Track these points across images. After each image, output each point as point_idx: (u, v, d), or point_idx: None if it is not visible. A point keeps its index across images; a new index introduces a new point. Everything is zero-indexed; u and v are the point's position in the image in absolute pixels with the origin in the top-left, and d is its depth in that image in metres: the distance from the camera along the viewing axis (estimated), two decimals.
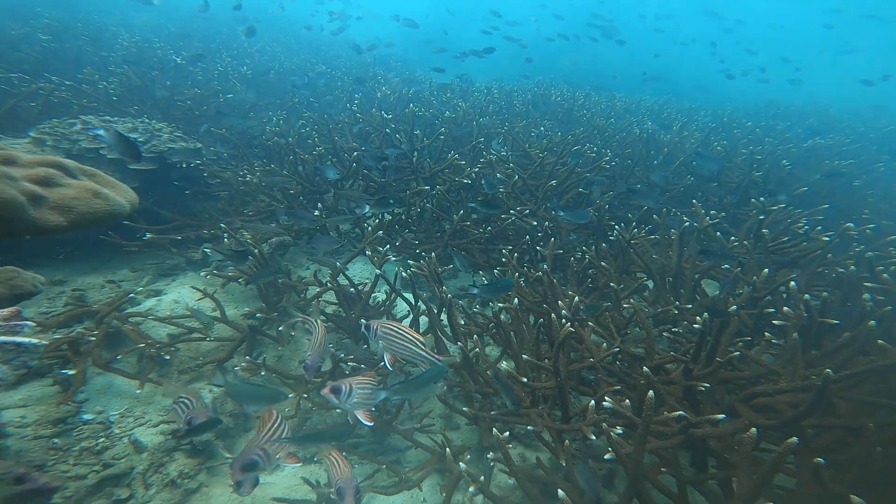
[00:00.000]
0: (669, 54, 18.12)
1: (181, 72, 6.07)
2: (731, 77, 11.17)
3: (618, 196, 4.28)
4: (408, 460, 2.94)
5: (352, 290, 3.06)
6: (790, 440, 1.52)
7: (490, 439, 2.73)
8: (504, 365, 2.63)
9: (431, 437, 2.96)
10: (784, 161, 4.84)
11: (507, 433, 2.11)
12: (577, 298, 2.74)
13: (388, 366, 2.15)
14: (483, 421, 2.96)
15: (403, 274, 3.10)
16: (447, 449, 2.36)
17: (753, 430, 1.72)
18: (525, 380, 2.37)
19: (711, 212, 3.70)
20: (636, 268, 3.53)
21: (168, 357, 3.09)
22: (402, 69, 10.48)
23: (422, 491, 2.63)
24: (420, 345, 2.14)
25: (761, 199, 3.64)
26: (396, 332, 2.12)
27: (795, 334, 2.16)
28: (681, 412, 1.93)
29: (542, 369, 2.82)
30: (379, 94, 5.93)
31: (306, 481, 2.52)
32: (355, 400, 1.98)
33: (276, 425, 2.05)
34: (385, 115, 4.54)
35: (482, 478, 2.26)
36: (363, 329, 2.14)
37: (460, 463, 2.21)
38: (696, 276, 3.40)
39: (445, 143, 5.04)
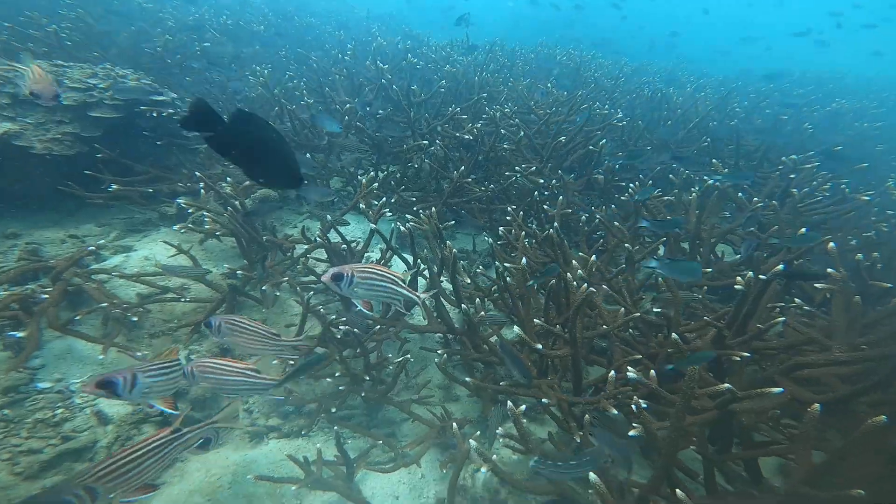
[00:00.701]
0: (690, 20, 17.42)
1: (148, 17, 5.42)
2: (802, 34, 10.50)
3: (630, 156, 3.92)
4: (403, 434, 2.66)
5: (343, 247, 2.69)
6: (878, 419, 1.23)
7: (495, 412, 2.45)
8: (517, 330, 2.31)
9: (430, 410, 2.68)
10: (806, 124, 4.51)
11: (524, 406, 1.81)
12: (593, 257, 2.41)
13: (363, 309, 1.86)
14: (486, 392, 2.68)
15: (402, 228, 2.73)
16: (454, 425, 2.06)
17: (817, 406, 1.43)
18: (540, 346, 2.06)
19: (725, 170, 3.37)
20: (648, 230, 3.21)
21: (136, 319, 2.72)
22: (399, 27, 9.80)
23: (420, 467, 2.35)
24: (399, 282, 1.84)
25: (793, 156, 3.32)
26: (376, 275, 1.80)
27: (858, 298, 1.87)
28: (728, 385, 1.64)
29: (551, 335, 2.52)
30: (374, 45, 5.37)
31: (292, 458, 2.22)
32: (144, 392, 1.68)
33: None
34: (381, 64, 4.06)
35: (494, 456, 1.96)
36: (331, 279, 1.75)
37: (470, 441, 1.91)
38: (713, 240, 3.10)
39: (444, 99, 4.59)
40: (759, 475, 1.99)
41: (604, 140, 3.56)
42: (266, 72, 5.09)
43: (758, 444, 1.99)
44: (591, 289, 2.15)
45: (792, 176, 3.13)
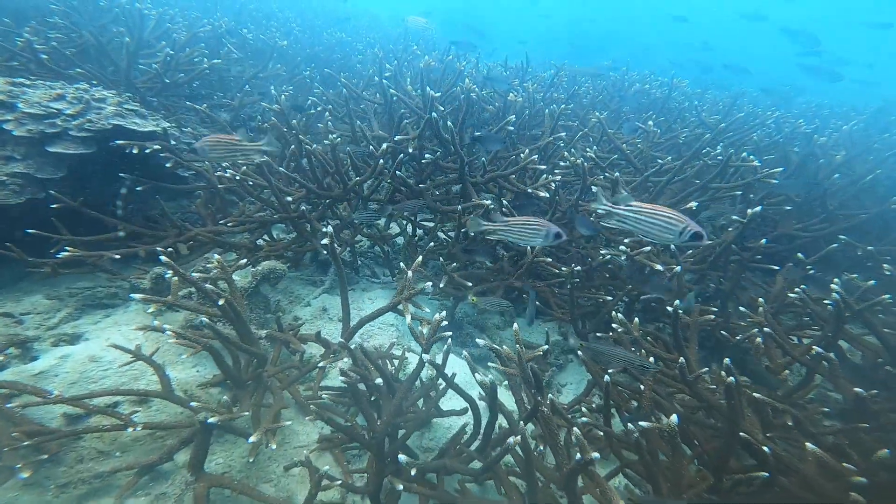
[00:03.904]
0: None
1: (151, 26, 4.72)
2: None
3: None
4: None
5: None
6: None
7: None
8: None
9: None
10: None
11: None
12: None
13: None
14: None
15: (479, 377, 1.75)
16: None
17: None
18: None
19: None
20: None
21: (46, 455, 1.79)
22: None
23: None
24: None
25: None
26: None
27: None
28: None
29: None
30: (422, 64, 4.53)
31: None
32: None
33: None
34: (433, 92, 3.22)
35: None
36: None
37: None
38: None
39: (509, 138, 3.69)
40: None
41: (759, 208, 2.56)
42: (283, 96, 4.31)
43: None
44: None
45: None
